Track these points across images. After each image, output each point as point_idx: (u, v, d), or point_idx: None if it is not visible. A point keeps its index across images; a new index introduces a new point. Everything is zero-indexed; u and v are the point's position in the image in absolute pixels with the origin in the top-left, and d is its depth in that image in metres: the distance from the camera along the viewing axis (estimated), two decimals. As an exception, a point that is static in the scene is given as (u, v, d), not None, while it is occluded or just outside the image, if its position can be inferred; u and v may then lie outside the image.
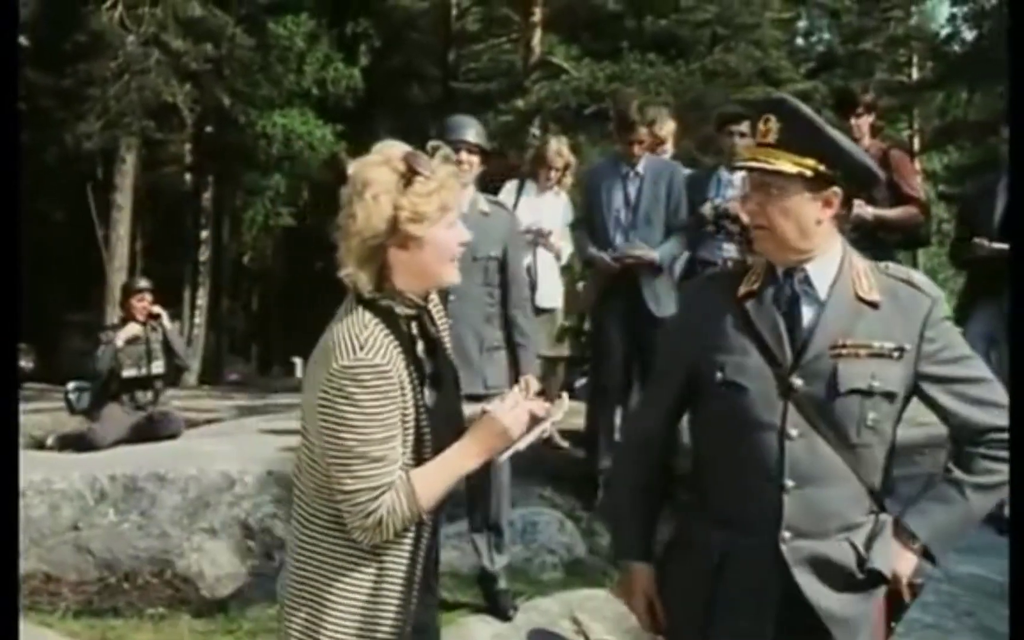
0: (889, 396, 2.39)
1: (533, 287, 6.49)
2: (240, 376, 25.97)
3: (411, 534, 2.49)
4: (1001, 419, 2.43)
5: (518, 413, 2.42)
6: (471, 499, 5.15)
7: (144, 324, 8.32)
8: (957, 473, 2.46)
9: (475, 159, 5.15)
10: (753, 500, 2.38)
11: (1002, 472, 2.43)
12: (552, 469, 6.73)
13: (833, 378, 2.35)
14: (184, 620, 5.70)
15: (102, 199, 21.60)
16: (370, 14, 27.60)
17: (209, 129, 24.83)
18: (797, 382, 2.35)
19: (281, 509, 6.19)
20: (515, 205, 6.73)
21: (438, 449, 2.46)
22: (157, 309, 8.43)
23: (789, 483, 2.35)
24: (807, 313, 2.41)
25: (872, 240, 6.46)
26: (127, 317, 8.47)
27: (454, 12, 27.62)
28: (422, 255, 2.47)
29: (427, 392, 2.49)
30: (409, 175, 2.43)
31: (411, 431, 2.44)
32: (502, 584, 5.24)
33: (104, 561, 6.10)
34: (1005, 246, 6.04)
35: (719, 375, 2.40)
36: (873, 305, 2.41)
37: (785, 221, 2.39)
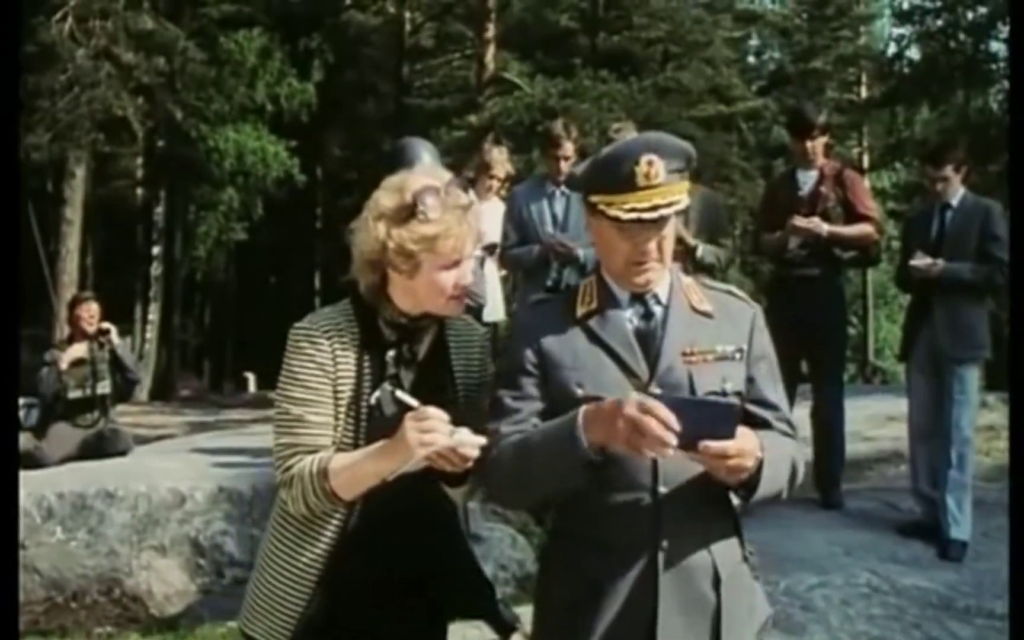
0: (739, 395, 2.47)
1: (482, 305, 6.53)
2: (192, 392, 25.75)
3: (332, 525, 2.52)
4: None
5: (424, 432, 2.34)
6: None
7: (92, 339, 8.20)
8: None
9: None
10: (628, 514, 2.39)
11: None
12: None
13: (690, 384, 2.42)
14: (133, 639, 5.65)
15: (52, 213, 21.36)
16: (323, 30, 27.56)
17: (160, 143, 24.64)
18: (656, 391, 2.38)
19: (232, 526, 6.15)
20: None
21: None
22: (106, 325, 8.32)
23: (662, 489, 2.39)
24: (654, 326, 2.47)
25: (825, 256, 6.55)
26: (74, 331, 8.36)
27: (408, 28, 27.65)
28: (413, 283, 2.51)
29: (382, 396, 2.51)
30: (411, 209, 2.46)
31: (344, 414, 2.50)
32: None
33: (51, 580, 6.03)
34: (935, 262, 6.15)
35: (580, 391, 2.40)
36: (707, 315, 2.51)
37: (670, 248, 2.47)
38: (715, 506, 2.47)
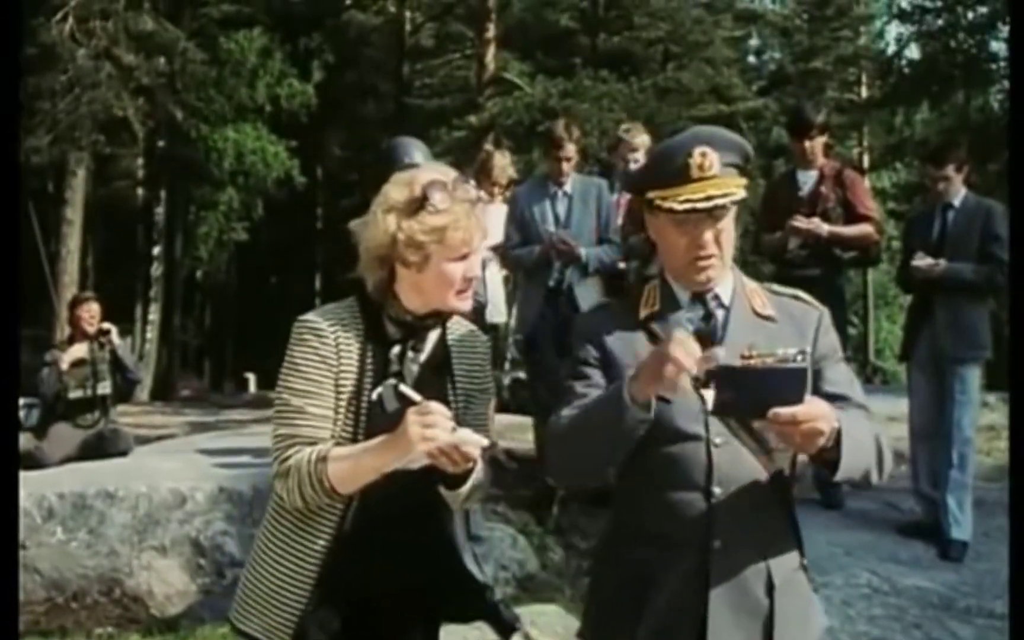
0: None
1: (484, 305, 6.52)
2: (192, 392, 25.73)
3: (328, 521, 2.51)
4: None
5: (427, 426, 2.33)
6: None
7: (92, 339, 8.20)
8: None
9: None
10: (682, 511, 2.41)
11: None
12: (505, 485, 6.74)
13: None
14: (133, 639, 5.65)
15: (53, 213, 21.35)
16: (323, 30, 27.57)
17: (161, 143, 24.65)
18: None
19: (233, 526, 6.14)
20: None
21: None
22: (107, 325, 8.32)
23: (716, 490, 2.40)
24: (715, 328, 2.48)
25: (825, 257, 6.55)
26: (75, 331, 8.36)
27: (408, 28, 27.66)
28: (422, 278, 2.52)
29: (384, 392, 2.50)
30: (420, 202, 2.47)
31: (344, 408, 2.51)
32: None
33: (52, 581, 6.02)
34: (937, 262, 6.14)
35: None
36: (769, 319, 2.51)
37: (730, 243, 2.48)
38: (772, 510, 2.48)
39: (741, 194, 2.44)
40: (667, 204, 2.41)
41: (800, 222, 6.48)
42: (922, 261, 6.18)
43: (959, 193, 6.31)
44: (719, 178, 2.41)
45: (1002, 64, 23.95)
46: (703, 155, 2.40)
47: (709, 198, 2.39)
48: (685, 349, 2.21)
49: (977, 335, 6.21)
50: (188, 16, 24.14)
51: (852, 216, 6.58)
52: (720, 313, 2.50)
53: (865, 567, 5.86)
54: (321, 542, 2.52)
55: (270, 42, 24.71)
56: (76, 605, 5.95)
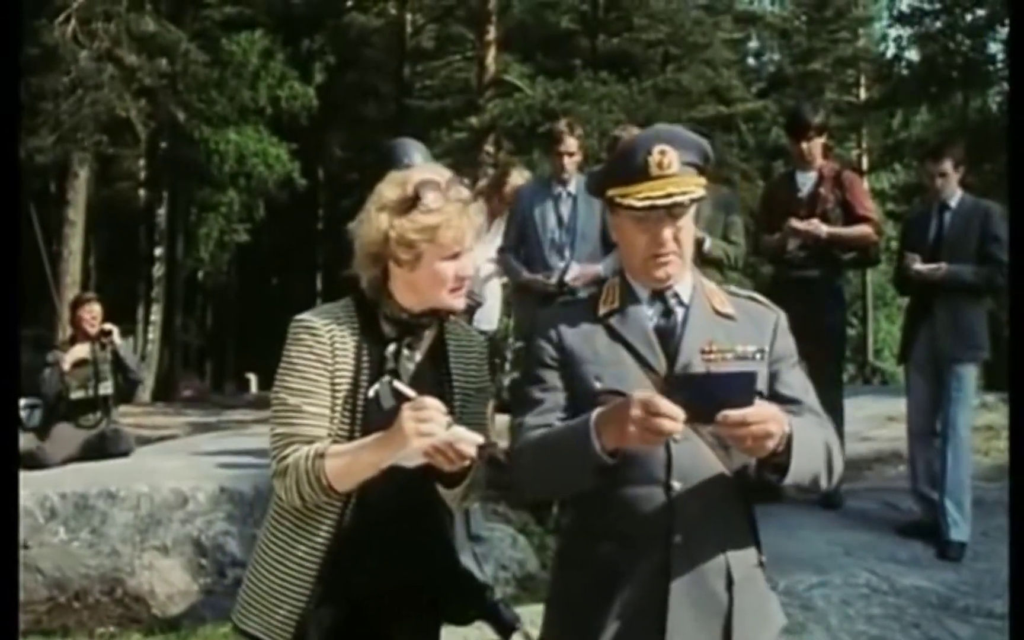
0: (760, 395, 2.43)
1: (479, 304, 6.50)
2: (194, 392, 25.77)
3: (328, 521, 2.52)
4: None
5: (422, 422, 2.34)
6: None
7: (94, 340, 8.21)
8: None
9: None
10: (642, 507, 2.42)
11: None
12: (505, 485, 6.73)
13: None
14: (135, 639, 5.67)
15: (55, 214, 21.38)
16: (325, 31, 27.59)
17: (163, 145, 24.68)
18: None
19: (234, 526, 6.16)
20: None
21: None
22: (108, 326, 8.32)
23: (676, 484, 2.41)
24: (674, 324, 2.51)
25: (824, 258, 6.56)
26: (76, 332, 8.38)
27: (409, 30, 27.66)
28: (415, 276, 2.54)
29: (380, 389, 2.51)
30: (413, 201, 2.49)
31: (341, 406, 2.52)
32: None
33: (54, 580, 6.04)
34: (938, 266, 6.15)
35: (598, 384, 2.43)
36: (729, 317, 2.54)
37: (689, 242, 2.51)
38: (731, 506, 2.49)
39: (700, 192, 2.47)
40: (627, 201, 2.44)
41: (799, 223, 6.50)
42: (922, 265, 6.18)
43: (955, 194, 6.31)
44: (678, 176, 2.44)
45: (1000, 66, 23.96)
46: (662, 153, 2.43)
47: (669, 195, 2.42)
48: (672, 413, 2.19)
49: (975, 336, 6.22)
50: (190, 18, 24.18)
51: (851, 217, 6.60)
52: (680, 311, 2.52)
53: (864, 567, 5.87)
54: (320, 541, 2.53)
55: (271, 44, 24.73)
56: (78, 604, 5.97)
